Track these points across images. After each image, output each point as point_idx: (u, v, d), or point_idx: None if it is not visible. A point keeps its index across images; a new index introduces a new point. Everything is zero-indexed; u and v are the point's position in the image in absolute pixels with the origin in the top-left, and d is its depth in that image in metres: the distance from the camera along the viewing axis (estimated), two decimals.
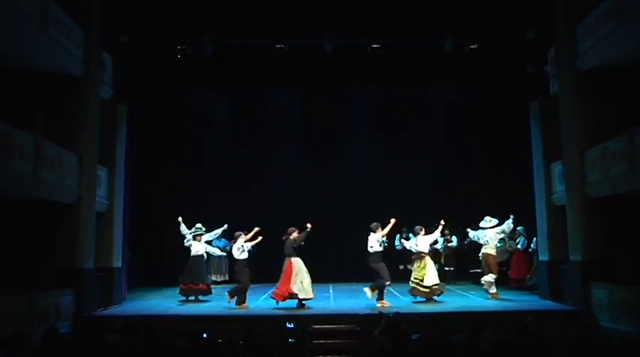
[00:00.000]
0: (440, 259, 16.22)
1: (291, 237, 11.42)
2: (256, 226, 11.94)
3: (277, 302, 11.21)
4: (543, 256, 12.69)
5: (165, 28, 12.74)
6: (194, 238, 12.57)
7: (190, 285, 12.32)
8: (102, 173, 12.22)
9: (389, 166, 16.82)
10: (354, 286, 13.78)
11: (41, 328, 8.28)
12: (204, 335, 6.87)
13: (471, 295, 13.03)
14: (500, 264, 14.36)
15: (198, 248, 12.49)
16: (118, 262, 12.56)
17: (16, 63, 10.39)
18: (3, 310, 8.48)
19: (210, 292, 12.57)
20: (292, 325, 8.97)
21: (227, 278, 16.16)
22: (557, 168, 12.37)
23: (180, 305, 11.95)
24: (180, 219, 12.56)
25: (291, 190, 16.57)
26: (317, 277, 14.89)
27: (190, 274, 12.34)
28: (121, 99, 12.92)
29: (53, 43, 10.27)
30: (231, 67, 14.52)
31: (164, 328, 6.97)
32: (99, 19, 11.80)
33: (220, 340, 6.42)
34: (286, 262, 11.40)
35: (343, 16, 12.49)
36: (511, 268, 14.44)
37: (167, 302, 12.37)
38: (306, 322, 9.78)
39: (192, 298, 12.38)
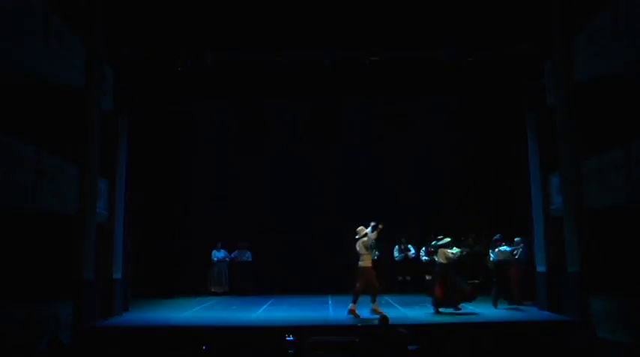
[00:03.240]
0: None
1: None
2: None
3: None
4: (541, 267, 12.73)
5: (166, 41, 12.84)
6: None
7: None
8: (102, 185, 12.25)
9: (387, 177, 16.92)
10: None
11: (41, 339, 8.33)
12: (204, 347, 6.90)
13: (469, 306, 13.02)
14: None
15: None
16: (118, 274, 12.56)
17: (17, 74, 10.43)
18: (2, 320, 8.50)
19: (475, 297, 12.00)
20: (292, 337, 8.99)
21: (227, 289, 16.15)
22: (554, 179, 12.42)
23: (180, 316, 11.94)
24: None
25: (290, 201, 16.63)
26: (316, 289, 15.04)
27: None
28: (122, 111, 13.00)
29: (54, 55, 10.30)
30: (231, 79, 14.63)
31: (164, 340, 7.00)
32: (100, 32, 11.88)
33: (220, 352, 6.45)
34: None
35: (341, 30, 12.63)
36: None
37: (167, 314, 12.37)
38: (305, 333, 9.78)
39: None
